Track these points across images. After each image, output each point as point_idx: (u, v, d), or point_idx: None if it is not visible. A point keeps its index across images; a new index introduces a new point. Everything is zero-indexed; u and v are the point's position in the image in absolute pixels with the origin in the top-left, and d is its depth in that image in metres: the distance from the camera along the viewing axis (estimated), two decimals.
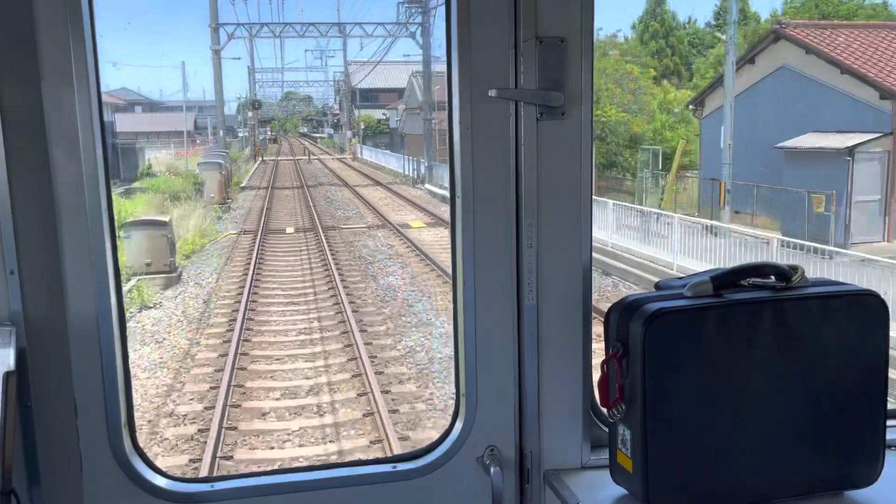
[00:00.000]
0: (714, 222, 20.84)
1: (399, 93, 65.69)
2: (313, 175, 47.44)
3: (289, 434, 9.64)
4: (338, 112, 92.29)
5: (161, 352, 13.01)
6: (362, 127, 70.24)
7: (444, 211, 25.19)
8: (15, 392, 1.92)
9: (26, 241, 2.00)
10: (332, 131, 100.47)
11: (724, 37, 28.80)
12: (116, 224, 2.21)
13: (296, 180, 43.42)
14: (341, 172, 49.57)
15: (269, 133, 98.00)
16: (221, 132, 47.02)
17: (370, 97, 76.19)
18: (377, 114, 72.58)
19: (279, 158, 65.01)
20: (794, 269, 2.06)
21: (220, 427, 9.54)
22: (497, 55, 2.18)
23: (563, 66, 2.18)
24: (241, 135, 73.02)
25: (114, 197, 2.18)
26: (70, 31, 1.98)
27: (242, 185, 40.35)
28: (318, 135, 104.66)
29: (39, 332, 2.04)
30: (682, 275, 2.83)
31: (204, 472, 8.40)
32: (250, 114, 70.70)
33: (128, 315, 13.99)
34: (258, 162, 58.76)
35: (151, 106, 66.39)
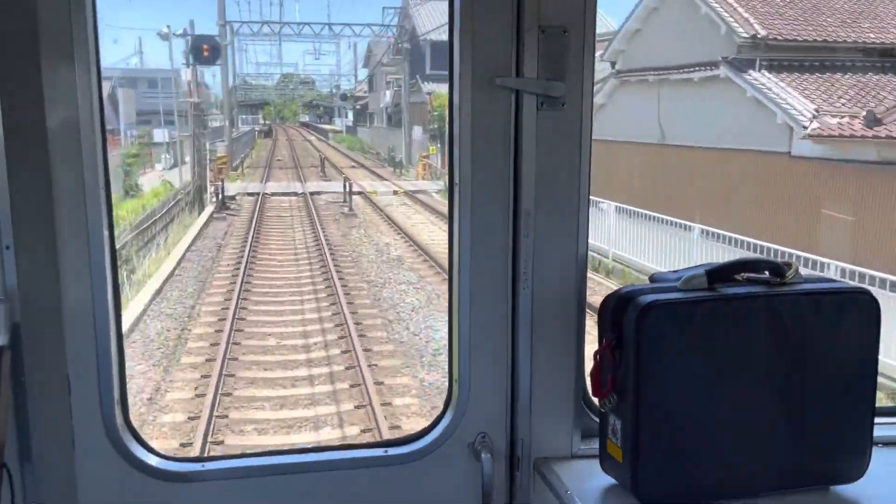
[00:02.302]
0: None
1: None
2: None
3: None
4: (364, 94, 57.93)
5: None
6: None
7: None
8: (8, 367, 1.92)
9: (22, 216, 2.00)
10: (350, 122, 66.90)
11: None
12: None
13: None
14: None
15: (261, 122, 71.01)
16: None
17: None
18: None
19: (267, 190, 29.50)
20: (788, 265, 2.07)
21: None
22: (499, 44, 2.18)
23: (564, 56, 2.18)
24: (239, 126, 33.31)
25: None
26: (71, 12, 1.97)
27: None
28: (327, 126, 74.61)
29: (34, 307, 2.04)
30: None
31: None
32: (187, 75, 31.72)
33: None
34: (204, 215, 23.54)
35: None
